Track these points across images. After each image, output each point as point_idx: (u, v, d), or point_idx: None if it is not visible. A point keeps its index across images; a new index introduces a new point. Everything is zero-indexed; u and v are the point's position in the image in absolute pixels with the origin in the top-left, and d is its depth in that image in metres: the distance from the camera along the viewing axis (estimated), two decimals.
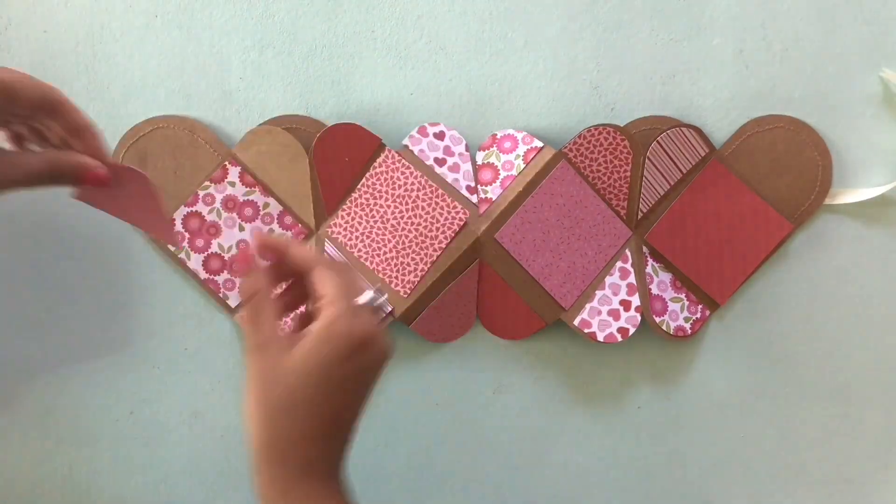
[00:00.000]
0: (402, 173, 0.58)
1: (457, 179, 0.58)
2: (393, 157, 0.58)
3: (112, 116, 0.58)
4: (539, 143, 0.58)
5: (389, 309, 0.51)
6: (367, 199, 0.58)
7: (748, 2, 0.59)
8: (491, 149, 0.58)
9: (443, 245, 0.58)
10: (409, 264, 0.58)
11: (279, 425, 0.41)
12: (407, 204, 0.58)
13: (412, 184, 0.58)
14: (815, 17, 0.59)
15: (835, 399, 0.61)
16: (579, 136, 0.58)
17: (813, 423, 0.61)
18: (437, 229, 0.58)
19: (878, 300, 0.60)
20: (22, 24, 0.58)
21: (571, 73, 0.59)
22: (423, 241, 0.58)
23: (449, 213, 0.58)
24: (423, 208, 0.58)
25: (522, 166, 0.58)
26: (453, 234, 0.58)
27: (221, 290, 0.57)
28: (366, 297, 0.43)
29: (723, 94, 0.59)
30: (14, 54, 0.58)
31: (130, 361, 0.59)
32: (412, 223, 0.58)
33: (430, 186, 0.58)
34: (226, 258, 0.57)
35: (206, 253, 0.57)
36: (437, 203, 0.58)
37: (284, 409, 0.41)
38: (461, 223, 0.58)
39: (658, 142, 0.58)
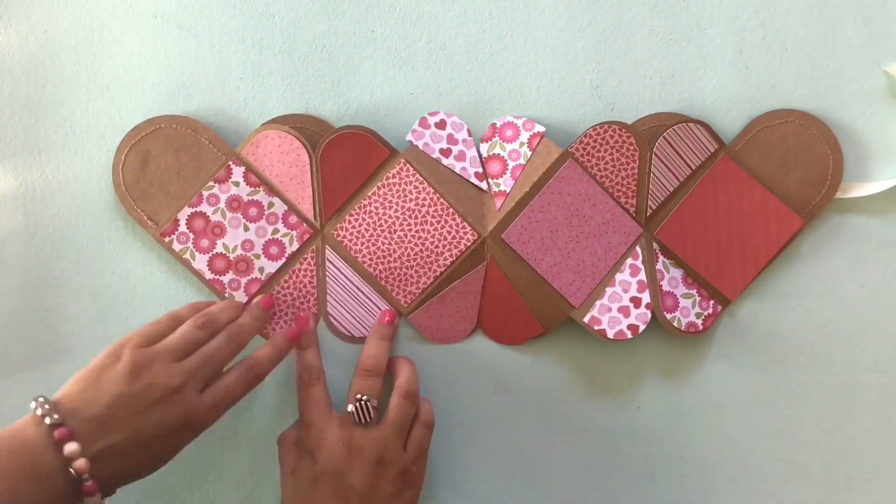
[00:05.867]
0: (416, 187, 0.58)
1: (464, 168, 0.58)
2: (407, 169, 0.58)
3: (112, 116, 0.58)
4: (541, 128, 0.58)
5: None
6: (376, 207, 0.58)
7: (748, 2, 0.59)
8: (493, 139, 0.58)
9: (447, 262, 0.58)
10: (412, 276, 0.58)
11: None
12: (416, 217, 0.58)
13: (423, 199, 0.58)
14: (815, 16, 0.59)
15: (835, 398, 0.61)
16: (585, 135, 0.58)
17: (813, 422, 0.61)
18: (444, 247, 0.58)
19: (889, 295, 0.60)
20: (22, 24, 0.58)
21: (571, 73, 0.59)
22: (427, 256, 0.58)
23: (457, 232, 0.58)
24: (431, 223, 0.58)
25: (529, 153, 0.58)
26: (459, 254, 0.58)
27: (227, 290, 0.57)
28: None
29: (723, 94, 0.59)
30: (14, 54, 0.58)
31: None
32: (419, 237, 0.58)
33: (441, 204, 0.58)
34: (231, 258, 0.57)
35: (210, 253, 0.57)
36: (445, 221, 0.58)
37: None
38: (468, 244, 0.58)
39: (665, 137, 0.58)
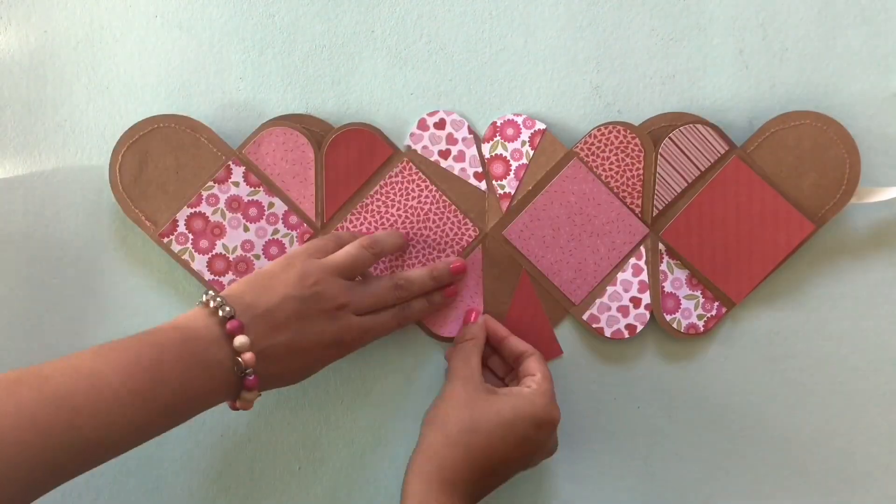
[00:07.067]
0: (418, 185, 0.58)
1: (464, 169, 0.58)
2: (410, 168, 0.58)
3: (112, 116, 0.58)
4: (541, 125, 0.58)
5: None
6: (378, 207, 0.58)
7: (748, 2, 0.59)
8: (495, 139, 0.58)
9: None
10: None
11: (451, 444, 0.49)
12: (418, 216, 0.58)
13: (426, 196, 0.58)
14: (815, 17, 0.59)
15: (836, 400, 0.61)
16: (589, 136, 0.58)
17: (814, 423, 0.61)
18: (446, 244, 0.58)
19: (893, 298, 0.60)
20: (22, 24, 0.58)
21: (571, 73, 0.59)
22: (429, 255, 0.58)
23: (458, 229, 0.58)
24: (433, 221, 0.58)
25: (531, 152, 0.58)
26: (460, 252, 0.58)
27: None
28: None
29: (723, 94, 0.59)
30: (14, 54, 0.58)
31: None
32: (421, 235, 0.58)
33: (443, 201, 0.58)
34: (230, 259, 0.57)
35: (210, 254, 0.57)
36: (447, 218, 0.58)
37: (463, 436, 0.49)
38: (469, 241, 0.58)
39: (670, 138, 0.58)
